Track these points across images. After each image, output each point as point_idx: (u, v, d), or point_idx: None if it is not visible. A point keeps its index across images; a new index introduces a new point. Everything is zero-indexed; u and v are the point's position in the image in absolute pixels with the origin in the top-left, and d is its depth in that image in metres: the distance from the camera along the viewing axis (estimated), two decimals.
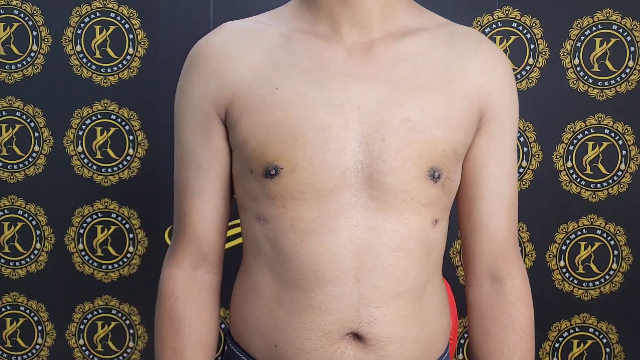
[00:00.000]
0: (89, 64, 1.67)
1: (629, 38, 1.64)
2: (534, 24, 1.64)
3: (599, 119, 1.67)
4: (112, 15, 1.66)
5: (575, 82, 1.66)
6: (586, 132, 1.67)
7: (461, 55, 0.89)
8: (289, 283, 0.86)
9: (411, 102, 0.84)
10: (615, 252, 1.72)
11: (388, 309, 0.86)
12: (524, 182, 1.69)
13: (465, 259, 0.97)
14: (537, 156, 1.68)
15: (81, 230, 1.74)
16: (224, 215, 0.93)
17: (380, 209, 0.84)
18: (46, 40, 1.67)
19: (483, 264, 0.94)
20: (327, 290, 0.84)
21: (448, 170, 0.87)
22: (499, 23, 1.64)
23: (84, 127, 1.69)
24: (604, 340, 1.76)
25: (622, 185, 1.70)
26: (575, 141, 1.68)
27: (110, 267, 1.75)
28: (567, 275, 1.72)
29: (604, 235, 1.71)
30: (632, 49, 1.65)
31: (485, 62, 0.89)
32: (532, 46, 1.65)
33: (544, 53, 1.65)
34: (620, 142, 1.68)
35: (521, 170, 1.69)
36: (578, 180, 1.69)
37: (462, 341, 1.79)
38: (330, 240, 0.84)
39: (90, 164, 1.70)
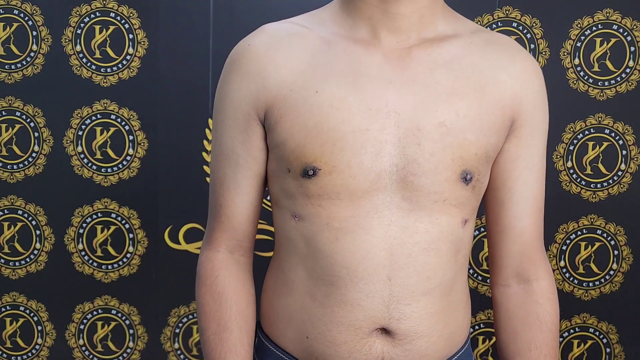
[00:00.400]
0: (88, 64, 1.67)
1: (629, 38, 1.64)
2: (534, 24, 1.64)
3: (599, 119, 1.67)
4: (112, 15, 1.66)
5: (575, 82, 1.65)
6: (586, 132, 1.67)
7: (495, 63, 0.91)
8: (322, 279, 0.89)
9: (447, 107, 0.87)
10: (616, 252, 1.72)
11: (417, 305, 0.89)
12: None
13: (492, 260, 1.00)
14: None
15: (81, 230, 1.74)
16: (258, 207, 0.97)
17: (412, 210, 0.87)
18: (46, 40, 1.67)
19: (510, 265, 0.97)
20: (359, 287, 0.87)
21: (479, 173, 0.90)
22: (499, 23, 1.64)
23: (83, 127, 1.69)
24: (604, 341, 1.76)
25: (622, 185, 1.69)
26: (575, 141, 1.68)
27: (110, 267, 1.75)
28: (567, 275, 1.72)
29: (604, 235, 1.71)
30: (632, 49, 1.65)
31: (519, 71, 0.92)
32: (532, 46, 1.65)
33: (544, 53, 1.65)
34: (621, 142, 1.68)
35: None
36: (578, 180, 1.69)
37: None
38: (364, 239, 0.87)
39: (90, 164, 1.70)
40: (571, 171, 1.69)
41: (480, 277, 1.77)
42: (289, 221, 0.91)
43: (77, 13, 1.66)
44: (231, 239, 0.96)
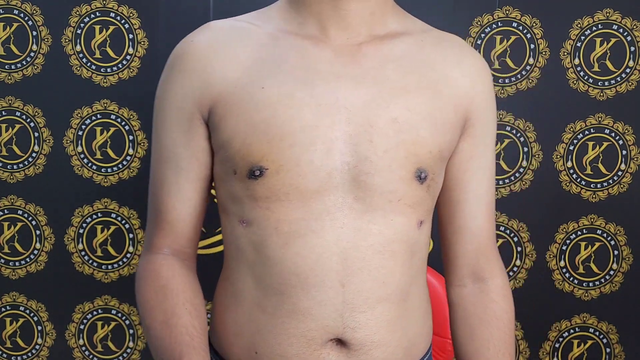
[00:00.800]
0: (88, 64, 1.67)
1: (629, 38, 1.64)
2: (534, 24, 1.64)
3: (599, 119, 1.67)
4: (112, 15, 1.66)
5: (575, 82, 1.65)
6: (586, 132, 1.67)
7: (446, 60, 0.90)
8: (272, 288, 0.84)
9: (399, 102, 0.84)
10: (616, 252, 1.72)
11: (372, 313, 0.85)
12: (524, 182, 1.69)
13: (446, 260, 0.98)
14: (537, 156, 1.68)
15: (81, 230, 1.74)
16: (201, 213, 0.92)
17: (366, 210, 0.84)
18: (46, 40, 1.67)
19: (465, 264, 0.95)
20: (311, 295, 0.83)
21: (434, 172, 0.87)
22: (499, 23, 1.64)
23: (83, 127, 1.69)
24: (604, 341, 1.76)
25: (622, 185, 1.69)
26: (575, 141, 1.68)
27: (110, 267, 1.75)
28: (567, 275, 1.72)
29: (604, 235, 1.71)
30: (633, 48, 1.65)
31: (469, 68, 0.91)
32: (532, 46, 1.65)
33: (544, 53, 1.65)
34: (621, 142, 1.68)
35: (521, 170, 1.69)
36: (578, 180, 1.69)
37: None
38: (315, 243, 0.83)
39: (90, 164, 1.70)
40: (571, 171, 1.69)
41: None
42: (237, 228, 0.86)
43: (77, 13, 1.66)
44: (173, 245, 0.91)
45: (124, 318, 1.77)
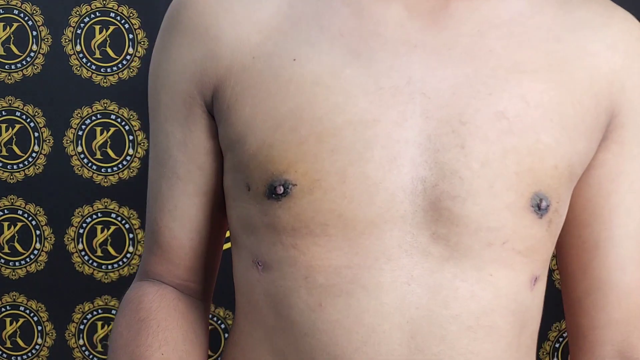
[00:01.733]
0: (88, 64, 1.67)
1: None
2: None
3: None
4: (112, 15, 1.66)
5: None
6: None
7: (580, 25, 0.60)
8: None
9: (507, 88, 0.56)
10: None
11: None
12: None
13: (576, 334, 0.69)
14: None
15: (81, 231, 1.74)
16: (209, 239, 0.66)
17: (449, 258, 0.55)
18: (46, 40, 1.67)
19: (608, 341, 0.64)
20: None
21: (559, 199, 0.57)
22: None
23: (83, 127, 1.69)
24: None
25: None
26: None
27: (110, 267, 1.75)
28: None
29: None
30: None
31: (617, 38, 0.60)
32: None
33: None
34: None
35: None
36: (90, 165, 1.69)
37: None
38: (366, 307, 0.54)
39: (90, 164, 1.70)
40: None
41: None
42: (250, 271, 0.59)
43: (77, 13, 1.66)
44: (169, 277, 0.67)
45: None
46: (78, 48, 1.67)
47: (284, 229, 0.56)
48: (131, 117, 1.69)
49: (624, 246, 0.63)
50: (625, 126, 0.61)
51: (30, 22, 1.68)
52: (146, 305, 0.62)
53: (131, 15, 1.66)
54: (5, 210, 1.75)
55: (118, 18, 1.66)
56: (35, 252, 1.76)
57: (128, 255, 1.75)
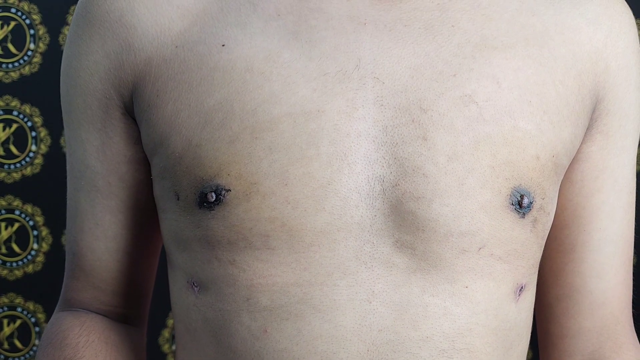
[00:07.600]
0: None
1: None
2: None
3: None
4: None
5: None
6: None
7: None
8: None
9: (475, 68, 0.48)
10: None
11: None
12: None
13: (545, 341, 0.62)
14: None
15: None
16: (139, 261, 0.58)
17: (417, 269, 0.47)
18: (43, 39, 1.66)
19: (578, 351, 0.58)
20: None
21: (543, 195, 0.50)
22: None
23: None
24: None
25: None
26: None
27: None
28: None
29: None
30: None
31: (599, 12, 0.52)
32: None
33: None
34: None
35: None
36: None
37: None
38: (319, 332, 0.45)
39: None
40: None
41: None
42: (186, 294, 0.51)
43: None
44: (94, 304, 0.59)
45: None
46: None
47: (219, 242, 0.47)
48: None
49: (603, 251, 0.56)
50: (611, 114, 0.53)
51: (27, 21, 1.67)
52: (72, 341, 0.53)
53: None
54: (3, 211, 1.74)
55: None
56: (33, 252, 1.74)
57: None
